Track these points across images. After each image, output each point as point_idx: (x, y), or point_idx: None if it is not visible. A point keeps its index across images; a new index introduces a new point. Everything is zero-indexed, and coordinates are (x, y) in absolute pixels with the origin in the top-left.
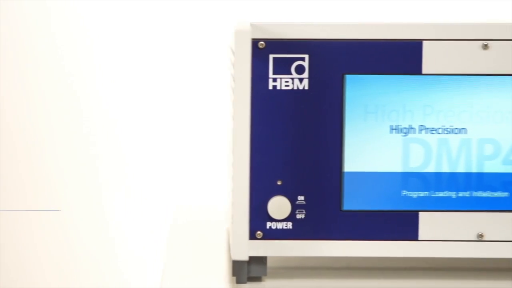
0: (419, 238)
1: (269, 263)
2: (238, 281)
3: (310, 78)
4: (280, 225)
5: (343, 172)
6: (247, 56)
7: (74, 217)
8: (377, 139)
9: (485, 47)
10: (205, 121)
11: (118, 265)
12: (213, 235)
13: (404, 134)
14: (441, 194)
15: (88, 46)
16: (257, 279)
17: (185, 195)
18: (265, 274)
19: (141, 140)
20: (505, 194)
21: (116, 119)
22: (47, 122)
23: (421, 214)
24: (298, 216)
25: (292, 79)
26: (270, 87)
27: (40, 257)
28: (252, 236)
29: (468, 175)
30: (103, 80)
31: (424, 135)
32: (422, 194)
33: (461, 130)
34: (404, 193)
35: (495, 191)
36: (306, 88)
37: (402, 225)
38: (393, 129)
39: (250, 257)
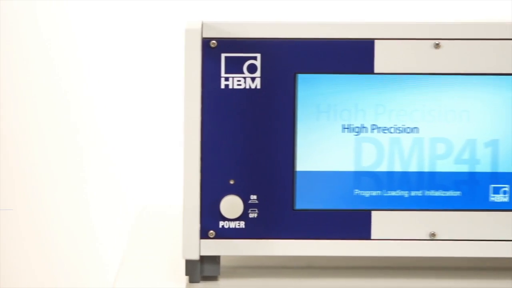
0: (372, 237)
1: (225, 262)
2: (191, 281)
3: (262, 77)
4: (232, 224)
5: (296, 171)
6: (197, 54)
7: (31, 217)
8: (329, 139)
9: (437, 46)
10: (174, 121)
11: (80, 265)
12: (174, 234)
13: (356, 134)
14: (393, 193)
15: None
16: (212, 278)
17: (153, 194)
18: (218, 274)
19: (109, 139)
20: (457, 193)
21: (77, 118)
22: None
23: (373, 213)
24: (251, 215)
25: (244, 78)
26: (222, 86)
27: None
28: (205, 236)
29: (420, 174)
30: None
31: (376, 134)
32: (374, 193)
33: (413, 130)
34: (356, 192)
35: (447, 190)
36: (258, 87)
37: (355, 224)
38: (345, 128)
39: (204, 257)
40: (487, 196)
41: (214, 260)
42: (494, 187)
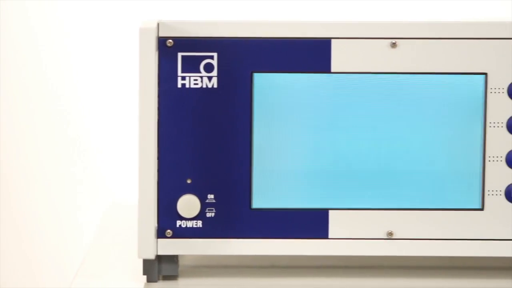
0: (329, 236)
1: (186, 261)
2: (149, 280)
3: (219, 76)
4: (190, 224)
5: (253, 170)
6: (152, 53)
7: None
8: (286, 137)
9: (393, 45)
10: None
11: (47, 265)
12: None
13: (313, 132)
14: (351, 192)
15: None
16: (172, 277)
17: (122, 192)
18: (177, 273)
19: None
20: (414, 193)
21: (45, 117)
22: None
23: (331, 212)
24: (208, 215)
25: (201, 77)
26: (179, 85)
27: None
28: (162, 235)
29: (377, 173)
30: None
31: (333, 133)
32: (332, 192)
33: (370, 129)
34: (313, 191)
35: (404, 189)
36: (215, 86)
37: (312, 223)
38: (302, 127)
39: (162, 256)
40: (444, 195)
41: (172, 259)
42: (451, 186)
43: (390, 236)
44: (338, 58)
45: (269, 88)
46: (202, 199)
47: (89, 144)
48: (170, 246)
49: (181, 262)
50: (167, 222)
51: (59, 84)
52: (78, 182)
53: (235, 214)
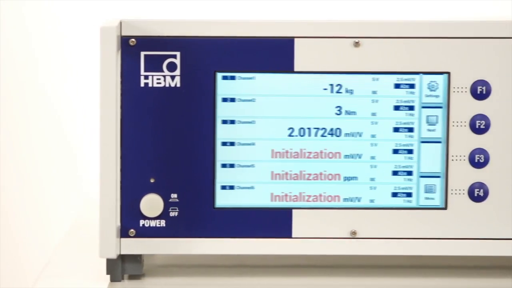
0: (293, 236)
1: (156, 260)
2: (112, 279)
3: (182, 75)
4: (153, 223)
5: (216, 170)
6: (113, 52)
7: None
8: (249, 136)
9: (357, 44)
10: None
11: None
12: None
13: (277, 131)
14: (314, 192)
15: None
16: (138, 277)
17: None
18: (141, 272)
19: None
20: (377, 192)
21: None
22: None
23: (294, 211)
24: (171, 214)
25: (164, 76)
26: (142, 85)
27: None
28: (125, 234)
29: (341, 173)
30: None
31: (297, 132)
32: (295, 191)
33: (334, 128)
34: (277, 191)
35: (367, 189)
36: (178, 85)
37: (276, 223)
38: (265, 126)
39: (126, 255)
40: (407, 194)
41: (136, 259)
42: (414, 185)
43: (353, 235)
44: (301, 57)
45: (232, 87)
46: (166, 198)
47: (65, 141)
48: (133, 246)
49: (150, 261)
50: (130, 222)
51: (34, 81)
52: (53, 179)
53: (198, 213)
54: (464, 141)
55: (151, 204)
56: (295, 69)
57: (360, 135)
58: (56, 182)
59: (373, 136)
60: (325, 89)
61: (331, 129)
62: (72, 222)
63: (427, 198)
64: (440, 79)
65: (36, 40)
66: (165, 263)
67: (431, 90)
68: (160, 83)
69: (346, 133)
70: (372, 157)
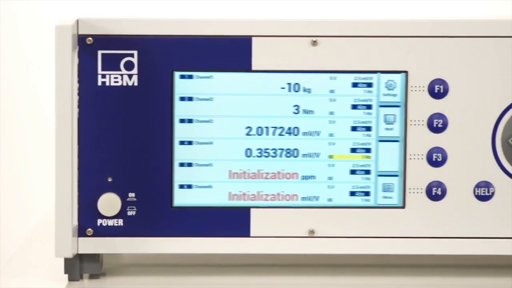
0: (251, 235)
1: (115, 259)
2: (70, 279)
3: (139, 74)
4: (111, 222)
5: (174, 169)
6: (69, 51)
7: None
8: (208, 135)
9: (314, 43)
10: None
11: None
12: None
13: (235, 130)
14: (272, 191)
15: None
16: (98, 276)
17: None
18: (99, 272)
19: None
20: (335, 191)
21: None
22: None
23: (252, 210)
24: (129, 213)
25: (121, 75)
26: (99, 83)
27: None
28: (82, 234)
29: (298, 172)
30: None
31: (255, 131)
32: (253, 190)
33: (290, 129)
34: (236, 190)
35: (325, 188)
36: (136, 84)
37: (234, 222)
38: (223, 125)
39: (84, 255)
40: (365, 193)
41: (94, 258)
42: (372, 184)
43: (311, 234)
44: (259, 56)
45: (190, 86)
46: (123, 197)
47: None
48: (91, 245)
49: (112, 260)
50: (88, 221)
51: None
52: (24, 178)
53: (156, 212)
54: (422, 140)
55: (109, 203)
56: (253, 68)
57: (318, 134)
58: (34, 180)
59: (331, 135)
60: (283, 88)
61: (289, 128)
62: (39, 220)
63: (385, 197)
64: (398, 78)
65: (27, 39)
66: (125, 262)
67: (389, 89)
68: (117, 82)
69: (304, 132)
70: (330, 156)
